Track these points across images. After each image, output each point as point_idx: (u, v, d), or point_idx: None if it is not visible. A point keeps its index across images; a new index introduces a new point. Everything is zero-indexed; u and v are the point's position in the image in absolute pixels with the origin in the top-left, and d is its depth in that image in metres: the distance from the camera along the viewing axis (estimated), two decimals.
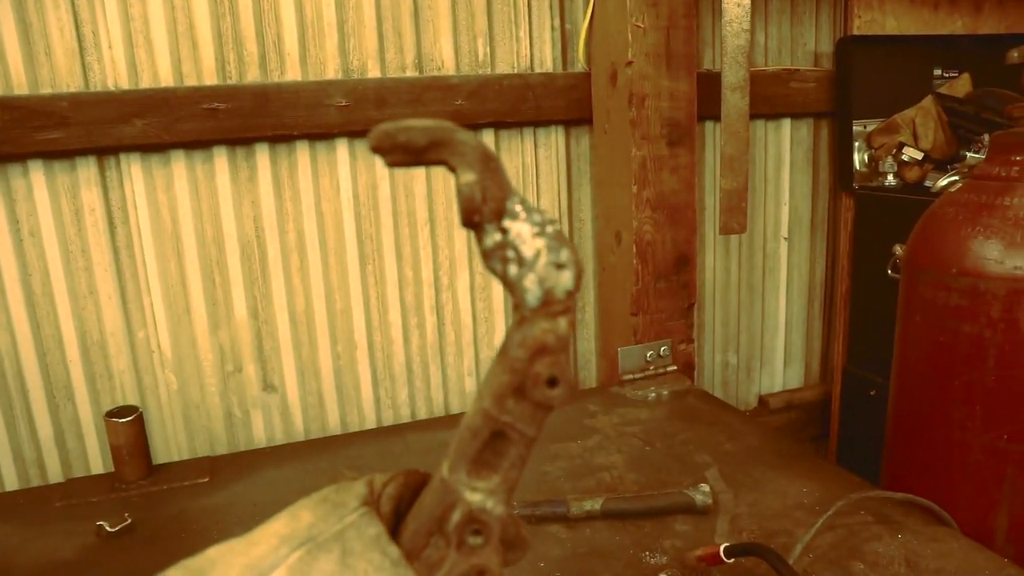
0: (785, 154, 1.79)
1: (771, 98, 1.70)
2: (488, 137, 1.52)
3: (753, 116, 1.70)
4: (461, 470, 0.41)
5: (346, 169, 1.44)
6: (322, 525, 0.40)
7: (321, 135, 1.39)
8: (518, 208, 0.39)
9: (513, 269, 0.38)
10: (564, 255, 0.38)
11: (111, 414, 1.17)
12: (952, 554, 0.98)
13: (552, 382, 0.39)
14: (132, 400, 1.37)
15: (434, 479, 0.42)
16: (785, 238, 1.84)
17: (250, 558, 0.39)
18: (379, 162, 1.43)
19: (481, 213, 0.38)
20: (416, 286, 1.53)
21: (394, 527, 0.43)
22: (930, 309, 1.06)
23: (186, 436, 1.43)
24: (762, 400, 1.91)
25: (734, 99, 1.32)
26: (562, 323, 0.39)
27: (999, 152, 1.04)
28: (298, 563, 0.38)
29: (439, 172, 1.49)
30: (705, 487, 1.11)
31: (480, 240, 0.39)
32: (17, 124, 1.19)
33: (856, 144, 1.73)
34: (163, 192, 1.33)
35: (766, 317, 1.88)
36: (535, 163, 1.57)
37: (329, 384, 1.51)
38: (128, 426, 1.17)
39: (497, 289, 1.59)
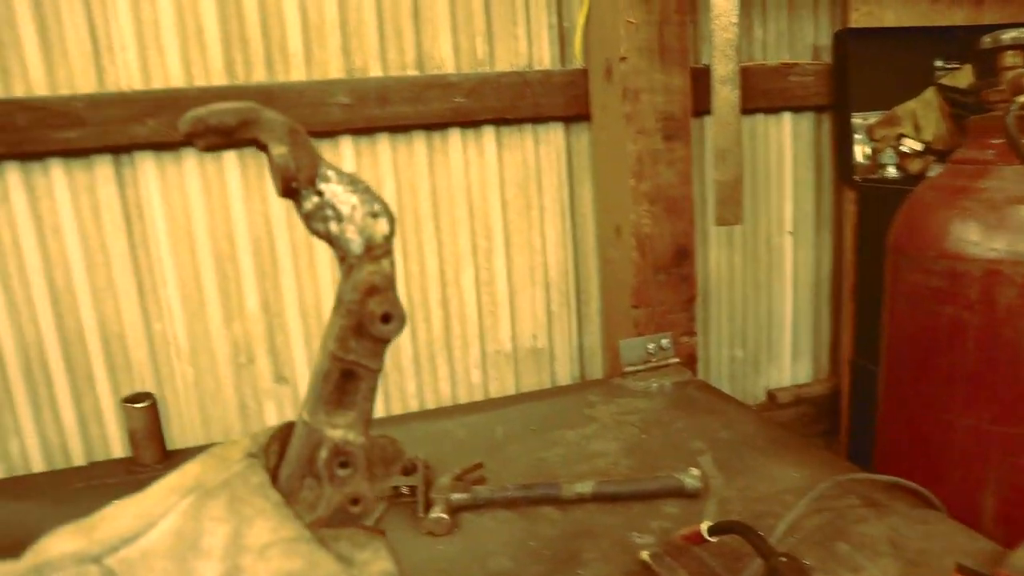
0: (787, 148, 1.80)
1: (770, 92, 1.72)
2: (489, 134, 1.56)
3: (753, 110, 1.73)
4: (320, 411, 0.44)
5: (351, 166, 1.48)
6: (210, 474, 0.43)
7: (325, 133, 1.43)
8: (330, 172, 0.42)
9: (334, 225, 0.42)
10: (377, 206, 0.43)
11: (128, 400, 1.23)
12: (937, 535, 0.99)
13: (386, 317, 0.43)
14: (150, 389, 1.43)
15: (297, 425, 0.45)
16: (790, 232, 1.85)
17: (141, 508, 0.42)
18: (384, 159, 1.48)
19: (297, 180, 0.41)
20: (422, 281, 1.57)
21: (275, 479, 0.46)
22: (913, 292, 1.08)
23: (202, 424, 1.48)
24: (770, 395, 1.92)
25: (724, 91, 1.35)
26: (385, 264, 0.43)
27: (976, 136, 1.05)
28: (189, 508, 0.41)
29: (441, 170, 1.53)
30: (695, 471, 1.13)
31: (299, 206, 0.42)
32: (37, 124, 1.26)
33: (857, 137, 1.74)
34: (176, 190, 1.39)
35: (773, 311, 1.89)
36: (536, 159, 1.60)
37: None
38: (143, 411, 1.23)
39: (501, 284, 1.62)
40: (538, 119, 1.58)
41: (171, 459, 1.27)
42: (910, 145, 1.66)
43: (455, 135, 1.54)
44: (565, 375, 1.72)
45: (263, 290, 1.48)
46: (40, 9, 1.27)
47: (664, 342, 1.56)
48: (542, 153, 1.61)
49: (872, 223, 1.71)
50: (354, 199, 0.43)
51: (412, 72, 1.48)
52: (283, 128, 0.41)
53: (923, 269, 1.05)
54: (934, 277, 1.04)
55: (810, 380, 1.97)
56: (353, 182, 0.43)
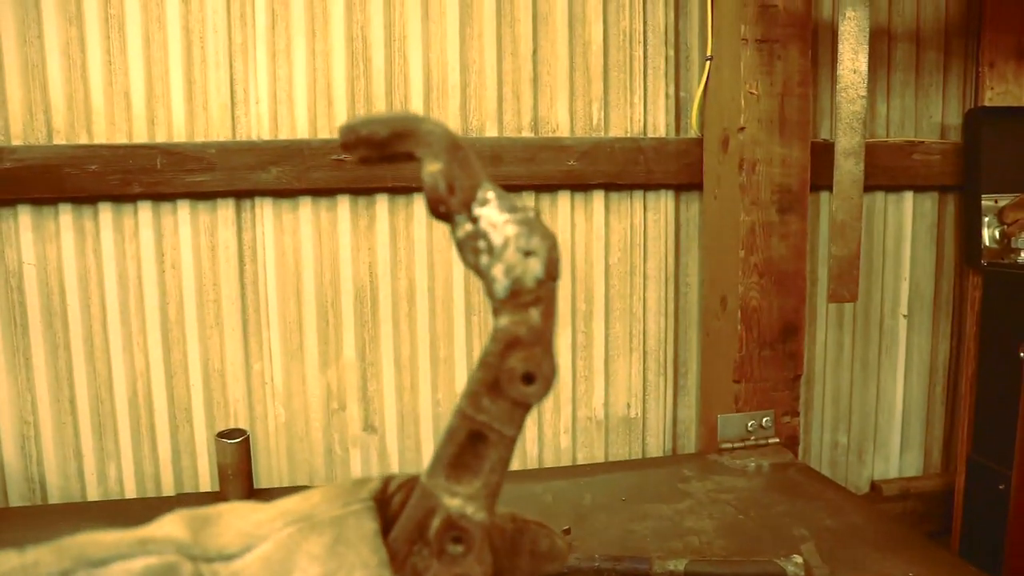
0: (906, 228, 1.73)
1: (892, 170, 1.66)
2: (599, 197, 1.55)
3: (873, 188, 1.67)
4: (439, 474, 0.39)
5: None
6: (325, 507, 0.39)
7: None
8: (489, 195, 0.37)
9: (484, 259, 0.36)
10: (534, 241, 0.36)
11: (221, 435, 1.25)
12: None
13: (528, 378, 0.36)
14: (243, 427, 1.46)
15: (417, 484, 0.40)
16: (904, 315, 1.76)
17: (248, 523, 0.38)
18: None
19: (447, 203, 0.37)
20: None
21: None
22: None
23: (288, 466, 1.49)
24: (875, 486, 1.79)
25: (848, 165, 1.30)
26: (534, 314, 0.36)
27: None
28: (287, 538, 0.37)
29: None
30: (798, 559, 1.06)
31: (453, 232, 0.37)
32: (172, 167, 1.33)
33: (986, 219, 1.65)
34: (289, 235, 1.44)
35: (881, 398, 1.79)
36: (643, 225, 1.59)
37: (427, 430, 1.55)
38: (235, 447, 1.24)
39: (598, 349, 1.59)
40: (649, 186, 1.57)
41: (256, 497, 1.28)
42: None
43: (565, 197, 1.54)
44: (657, 447, 1.66)
45: (360, 338, 1.49)
46: (190, 64, 1.35)
47: (765, 420, 1.49)
48: (650, 219, 1.59)
49: (998, 310, 1.61)
50: (510, 231, 0.36)
51: (527, 134, 1.50)
52: (442, 142, 0.37)
53: None
54: None
55: (920, 474, 1.83)
56: (514, 209, 0.37)
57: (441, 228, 1.50)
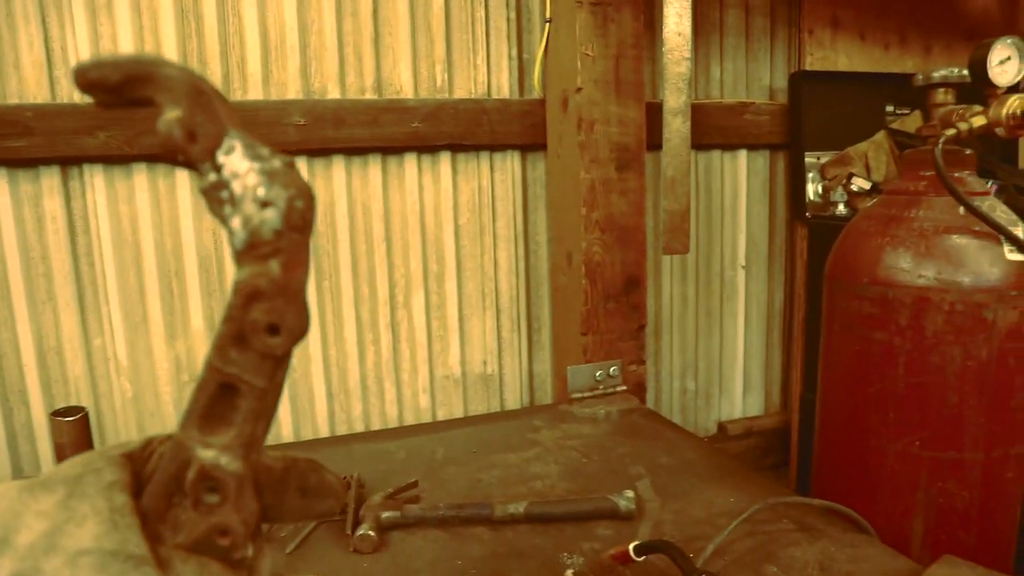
0: (741, 184, 1.84)
1: (726, 129, 1.76)
2: (445, 159, 1.57)
3: (710, 146, 1.77)
4: (192, 426, 0.38)
5: None
6: (67, 469, 0.37)
7: (281, 152, 1.44)
8: (235, 143, 0.36)
9: (227, 209, 0.35)
10: (273, 191, 0.35)
11: (57, 413, 1.20)
12: (866, 559, 0.99)
13: (272, 328, 0.36)
14: (86, 405, 1.40)
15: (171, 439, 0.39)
16: (743, 266, 1.87)
17: None
18: (338, 181, 1.49)
19: (187, 152, 0.35)
20: (372, 303, 1.57)
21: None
22: (847, 319, 1.09)
23: None
24: (721, 427, 1.92)
25: (676, 123, 1.37)
26: (274, 266, 0.35)
27: (910, 169, 1.08)
28: (16, 501, 0.35)
29: (396, 193, 1.54)
30: (630, 493, 1.12)
31: (197, 182, 0.36)
32: None
33: (810, 175, 1.78)
34: (124, 203, 1.38)
35: (724, 344, 1.90)
36: (491, 186, 1.62)
37: (283, 397, 1.54)
38: (71, 425, 1.19)
39: (452, 309, 1.62)
40: (495, 146, 1.60)
41: None
42: (859, 184, 1.70)
43: (411, 159, 1.55)
44: (514, 402, 1.71)
45: (209, 307, 1.46)
46: None
47: (612, 369, 1.57)
48: (497, 180, 1.62)
49: (821, 259, 1.73)
50: (252, 180, 0.34)
51: (370, 96, 1.50)
52: (183, 87, 0.35)
53: (857, 296, 1.07)
54: (867, 303, 1.05)
55: (761, 413, 1.98)
56: (258, 157, 0.35)
57: None
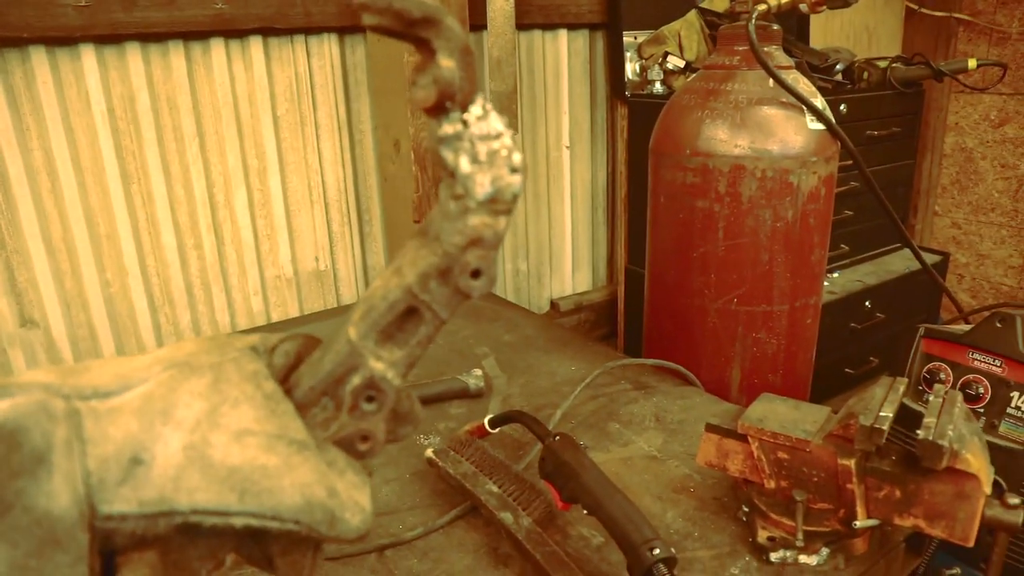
0: (563, 65, 1.85)
1: (546, 8, 1.74)
2: (256, 45, 1.45)
3: (530, 26, 1.75)
4: (370, 338, 0.41)
5: (95, 79, 1.32)
6: (203, 356, 0.40)
7: (58, 40, 1.26)
8: (487, 106, 0.40)
9: (465, 161, 0.39)
10: (519, 160, 0.40)
11: None
12: (694, 407, 1.10)
13: (476, 273, 0.40)
14: None
15: (339, 340, 0.42)
16: (567, 147, 1.92)
17: (123, 369, 0.38)
18: (136, 71, 1.34)
19: (454, 100, 0.39)
20: (189, 205, 1.46)
21: (283, 382, 0.43)
22: (671, 189, 1.16)
23: None
24: (553, 304, 2.01)
25: (499, 2, 1.35)
26: (502, 222, 0.40)
27: (725, 43, 1.13)
28: (169, 379, 0.38)
29: (204, 84, 1.42)
30: (478, 372, 1.16)
31: (438, 126, 0.39)
32: None
33: (628, 55, 1.82)
34: None
35: (553, 225, 1.97)
36: (309, 73, 1.52)
37: (100, 314, 1.42)
38: None
39: (277, 204, 1.54)
40: (310, 30, 1.50)
41: None
42: (674, 62, 1.76)
43: (219, 46, 1.41)
44: (351, 297, 1.68)
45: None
46: None
47: None
48: (315, 66, 1.53)
49: (641, 137, 1.81)
50: (497, 144, 0.39)
51: None
52: (459, 42, 0.38)
53: (680, 167, 1.13)
54: (689, 174, 1.12)
55: (590, 288, 2.08)
56: (504, 128, 0.40)
57: (74, 88, 1.31)
